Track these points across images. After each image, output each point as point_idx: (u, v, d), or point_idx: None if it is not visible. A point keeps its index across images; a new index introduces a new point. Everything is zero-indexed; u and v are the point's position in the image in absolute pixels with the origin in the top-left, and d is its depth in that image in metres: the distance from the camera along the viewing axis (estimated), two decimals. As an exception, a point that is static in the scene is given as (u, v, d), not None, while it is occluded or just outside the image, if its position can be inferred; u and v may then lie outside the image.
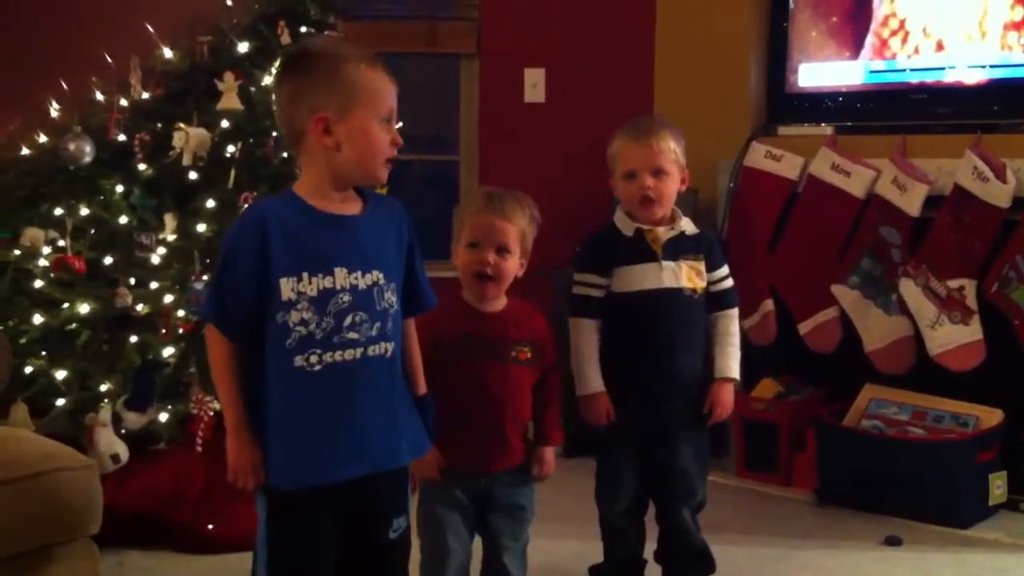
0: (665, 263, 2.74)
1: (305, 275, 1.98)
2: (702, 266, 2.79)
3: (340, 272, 2.00)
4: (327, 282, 1.99)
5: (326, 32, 3.87)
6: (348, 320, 2.00)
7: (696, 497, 2.86)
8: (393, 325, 2.06)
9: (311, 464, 2.01)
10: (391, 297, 2.06)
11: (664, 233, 2.76)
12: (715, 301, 2.83)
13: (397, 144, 2.07)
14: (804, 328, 3.98)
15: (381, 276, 2.05)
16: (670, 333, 2.75)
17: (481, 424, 2.48)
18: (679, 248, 2.76)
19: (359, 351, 2.01)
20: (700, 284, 2.78)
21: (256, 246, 1.98)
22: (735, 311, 2.88)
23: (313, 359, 1.98)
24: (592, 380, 2.75)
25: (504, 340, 2.50)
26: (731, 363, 2.82)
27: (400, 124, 2.14)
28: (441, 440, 2.35)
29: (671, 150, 2.73)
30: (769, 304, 4.05)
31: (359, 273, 2.02)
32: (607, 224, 2.83)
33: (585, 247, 2.89)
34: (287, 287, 1.97)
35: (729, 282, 2.87)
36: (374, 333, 2.03)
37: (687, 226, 2.80)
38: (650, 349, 2.76)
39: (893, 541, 3.38)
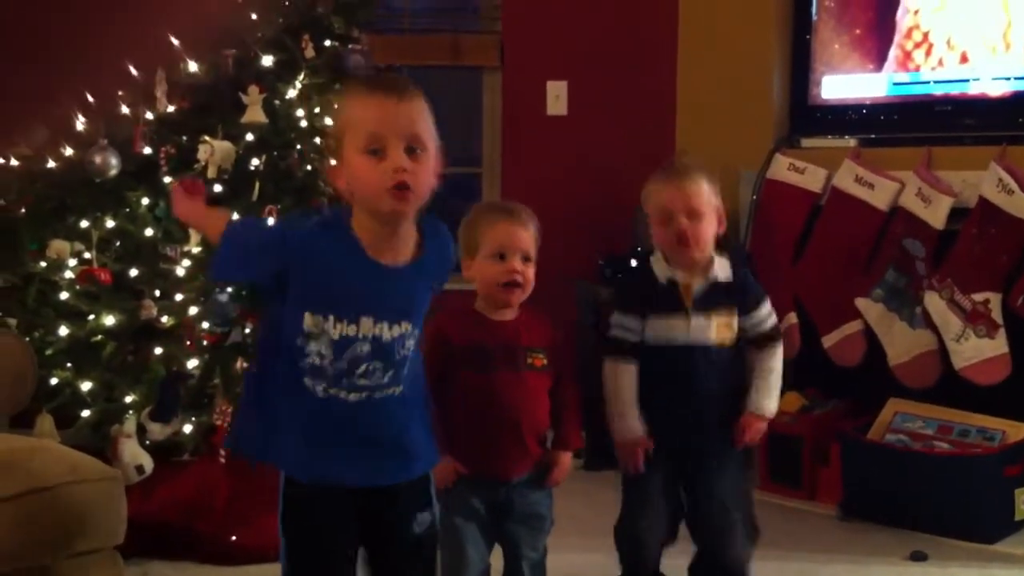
0: (694, 319, 2.67)
1: (331, 317, 1.94)
2: (734, 320, 2.71)
3: (366, 322, 1.96)
4: (350, 330, 1.95)
5: (350, 46, 3.89)
6: (362, 368, 1.97)
7: (747, 536, 2.82)
8: (409, 370, 2.04)
9: (322, 465, 2.01)
10: (411, 343, 2.03)
11: (696, 283, 2.69)
12: (757, 343, 2.75)
13: (398, 171, 1.89)
14: (828, 341, 3.96)
15: (409, 327, 2.01)
16: (697, 387, 2.69)
17: (499, 432, 2.47)
18: (710, 300, 2.69)
19: (364, 394, 2.00)
20: (730, 337, 2.71)
21: (289, 234, 1.99)
22: (779, 346, 2.77)
23: (319, 388, 1.97)
24: (635, 426, 2.68)
25: (518, 348, 2.50)
26: (765, 401, 2.73)
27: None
28: (458, 449, 2.36)
29: (705, 192, 2.66)
30: (792, 317, 4.04)
31: (386, 324, 1.98)
32: (644, 267, 2.78)
33: (623, 288, 2.84)
34: (310, 320, 1.95)
35: (771, 321, 2.77)
36: (385, 380, 2.01)
37: (722, 272, 2.71)
38: (677, 402, 2.70)
39: (918, 557, 3.36)
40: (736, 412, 2.74)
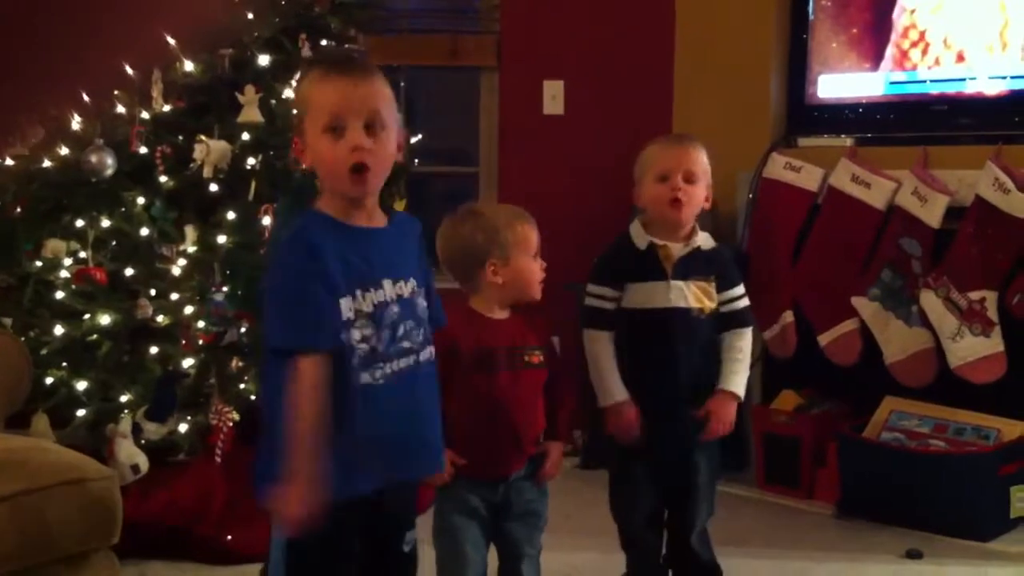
0: (673, 282, 2.71)
1: (359, 292, 1.95)
2: (712, 287, 2.75)
3: (387, 284, 1.99)
4: (379, 296, 1.97)
5: (347, 46, 3.89)
6: (401, 330, 2.00)
7: (708, 511, 2.86)
8: (429, 331, 2.08)
9: (361, 473, 1.98)
10: (423, 303, 2.07)
11: (677, 250, 2.73)
12: (726, 321, 2.79)
13: (358, 149, 1.92)
14: (824, 340, 3.96)
15: (415, 284, 2.05)
16: (676, 352, 2.73)
17: (497, 431, 2.48)
18: (690, 267, 2.74)
19: (413, 358, 2.02)
20: (709, 304, 2.75)
21: (312, 258, 1.92)
22: (747, 330, 2.82)
23: (378, 373, 1.97)
24: (615, 390, 2.73)
25: (516, 347, 2.52)
26: (733, 377, 2.77)
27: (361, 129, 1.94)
28: (456, 447, 2.37)
29: (703, 161, 2.74)
30: (789, 316, 4.04)
31: (402, 283, 2.01)
32: (622, 235, 2.82)
33: (600, 259, 2.88)
34: (346, 307, 1.94)
35: (743, 302, 2.82)
36: (421, 339, 2.04)
37: (704, 242, 2.77)
38: (656, 367, 2.75)
39: (914, 554, 3.36)
40: (710, 388, 2.78)
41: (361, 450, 1.98)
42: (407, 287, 2.02)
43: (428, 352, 2.06)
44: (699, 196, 2.73)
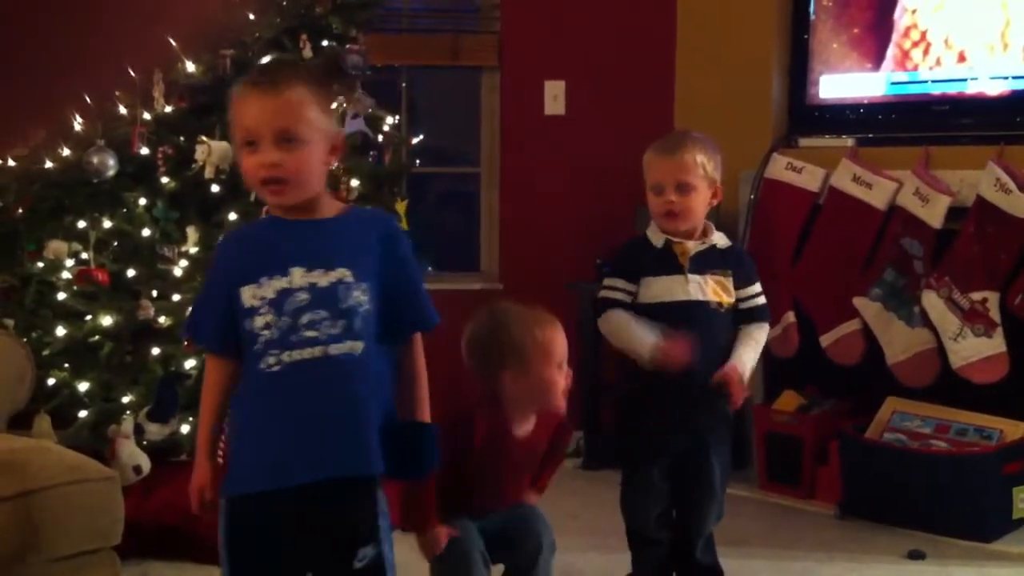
0: (691, 276, 2.74)
1: (264, 279, 1.98)
2: (729, 281, 2.78)
3: (297, 271, 1.98)
4: (283, 283, 1.97)
5: (348, 46, 3.88)
6: (305, 318, 1.97)
7: (718, 515, 2.87)
8: (363, 325, 2.00)
9: (265, 468, 1.98)
10: (361, 296, 2.00)
11: (693, 247, 2.76)
12: (745, 316, 2.81)
13: (264, 166, 1.97)
14: (826, 340, 3.96)
15: (348, 274, 2.00)
16: (707, 345, 2.72)
17: (503, 495, 2.59)
18: (706, 262, 2.76)
19: (320, 349, 1.97)
20: (727, 299, 2.77)
21: (220, 262, 2.07)
22: (764, 325, 2.85)
23: (272, 359, 1.96)
24: (648, 336, 2.69)
25: (531, 457, 2.59)
26: (743, 357, 2.77)
27: (267, 143, 1.98)
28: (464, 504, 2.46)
29: (698, 164, 2.72)
30: (791, 316, 4.04)
31: (320, 271, 1.99)
32: (640, 235, 2.85)
33: (616, 255, 2.89)
34: (247, 294, 1.97)
35: (761, 300, 2.85)
36: (338, 331, 1.98)
37: (719, 240, 2.80)
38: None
39: (916, 555, 3.36)
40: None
41: (265, 438, 1.98)
42: (328, 277, 1.99)
43: (350, 346, 1.99)
44: (696, 202, 2.73)
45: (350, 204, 2.12)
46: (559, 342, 2.49)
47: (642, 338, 2.70)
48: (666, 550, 2.89)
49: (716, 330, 2.76)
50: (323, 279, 1.99)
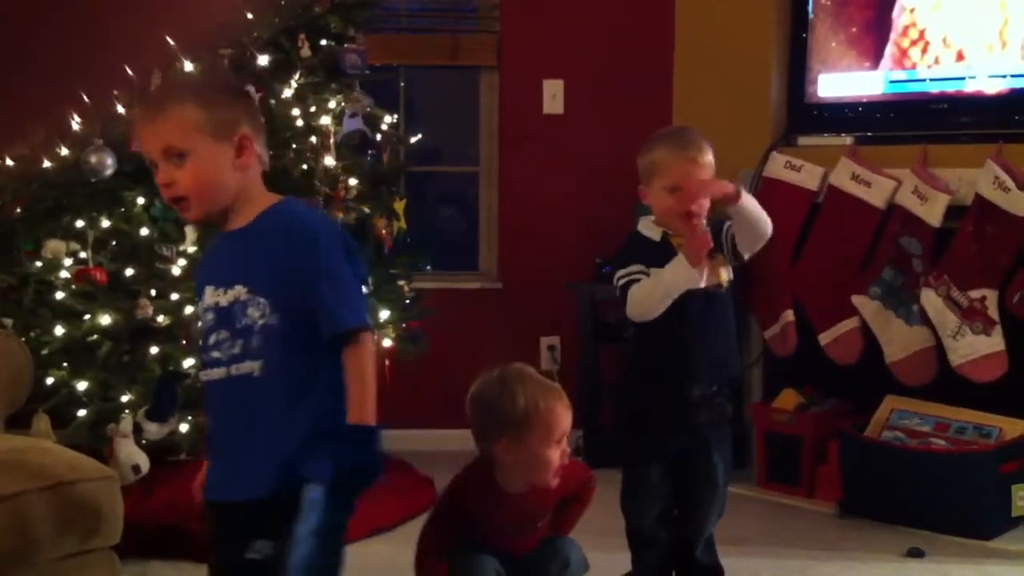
0: None
1: (199, 298, 2.06)
2: (724, 258, 2.75)
3: (209, 291, 2.00)
4: (203, 302, 2.02)
5: (346, 46, 3.88)
6: (212, 339, 1.98)
7: (719, 514, 2.87)
8: (263, 343, 1.96)
9: (208, 479, 2.07)
10: (255, 313, 1.96)
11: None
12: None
13: (161, 184, 2.00)
14: (825, 339, 3.96)
15: (244, 291, 1.97)
16: (697, 333, 2.73)
17: (514, 546, 2.63)
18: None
19: (222, 370, 1.98)
20: (726, 276, 2.75)
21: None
22: None
23: (202, 375, 2.03)
24: (671, 265, 2.63)
25: (527, 521, 2.61)
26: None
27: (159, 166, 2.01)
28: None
29: (711, 162, 2.69)
30: (789, 315, 4.04)
31: (222, 290, 1.98)
32: (632, 232, 2.81)
33: (622, 249, 2.83)
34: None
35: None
36: (236, 351, 1.96)
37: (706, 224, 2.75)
38: (678, 350, 2.74)
39: (916, 553, 3.36)
40: (732, 370, 2.82)
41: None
42: (228, 295, 1.97)
43: (249, 367, 1.96)
44: (707, 202, 2.70)
45: (276, 199, 2.05)
46: (561, 420, 2.48)
47: (670, 269, 2.63)
48: (666, 550, 2.89)
49: (721, 312, 2.75)
50: (223, 298, 1.98)
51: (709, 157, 2.68)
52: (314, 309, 1.97)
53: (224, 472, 2.03)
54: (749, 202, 2.62)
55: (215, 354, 1.98)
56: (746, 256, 2.75)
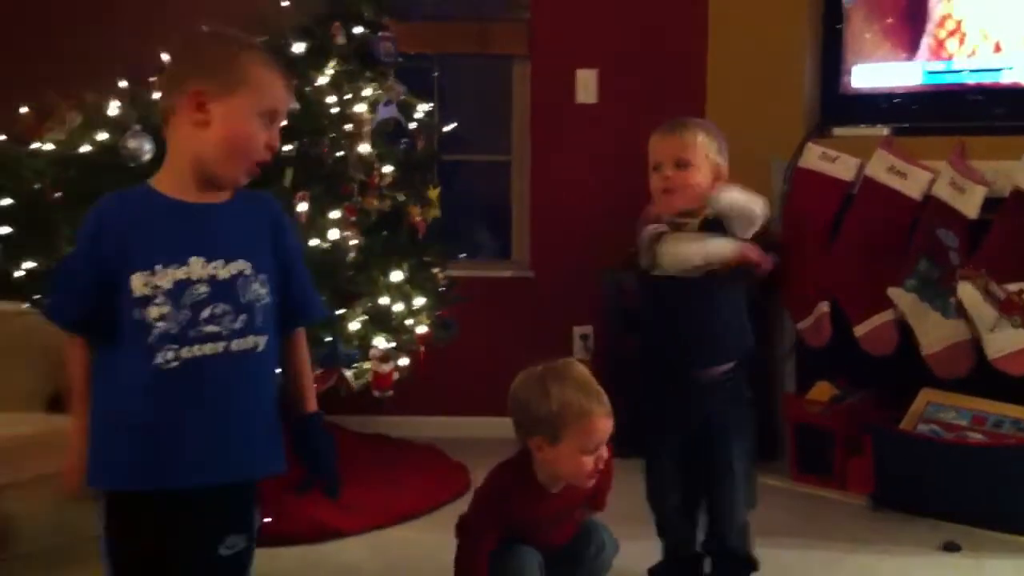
0: None
1: (158, 268, 1.89)
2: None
3: (196, 262, 1.90)
4: (181, 273, 1.89)
5: (379, 33, 3.89)
6: (206, 312, 1.90)
7: (749, 501, 2.86)
8: (264, 319, 1.95)
9: (160, 465, 1.90)
10: (260, 289, 1.95)
11: (691, 224, 2.75)
12: None
13: (272, 147, 1.97)
14: (860, 331, 3.94)
15: (248, 267, 1.94)
16: (697, 317, 2.76)
17: (553, 539, 2.67)
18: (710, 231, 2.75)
19: (221, 345, 1.91)
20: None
21: (94, 239, 1.92)
22: None
23: (170, 355, 1.88)
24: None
25: (569, 511, 2.64)
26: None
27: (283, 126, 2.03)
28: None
29: (699, 144, 2.72)
30: (824, 306, 4.02)
31: (220, 262, 1.92)
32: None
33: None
34: (139, 282, 1.88)
35: None
36: (239, 326, 1.92)
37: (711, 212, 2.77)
38: (680, 334, 2.77)
39: (951, 547, 3.34)
40: (733, 351, 2.81)
41: (154, 438, 1.89)
42: (228, 269, 1.93)
43: (252, 342, 1.94)
44: (694, 179, 2.73)
45: None
46: (600, 428, 2.46)
47: (722, 241, 2.69)
48: (690, 538, 2.89)
49: (719, 296, 2.76)
50: (223, 271, 1.93)
51: (692, 136, 2.73)
52: (295, 296, 2.03)
53: (218, 452, 1.92)
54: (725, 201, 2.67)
55: (211, 328, 1.90)
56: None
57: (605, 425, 2.47)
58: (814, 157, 4.08)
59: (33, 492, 2.56)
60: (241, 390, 1.95)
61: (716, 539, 2.88)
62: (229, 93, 1.93)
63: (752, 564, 2.91)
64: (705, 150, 2.73)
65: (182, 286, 1.89)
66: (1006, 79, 3.81)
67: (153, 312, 1.87)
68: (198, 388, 1.91)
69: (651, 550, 2.94)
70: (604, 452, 2.50)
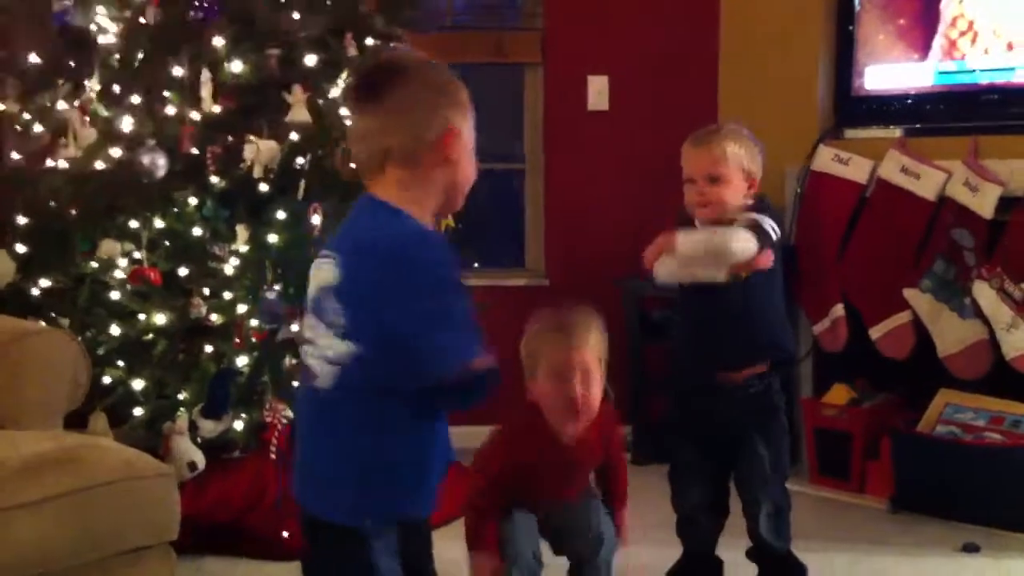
0: None
1: None
2: None
3: None
4: None
5: (392, 44, 3.90)
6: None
7: (779, 495, 2.85)
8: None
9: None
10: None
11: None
12: None
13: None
14: (876, 333, 3.93)
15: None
16: (722, 326, 2.76)
17: (561, 492, 2.67)
18: None
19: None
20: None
21: (454, 266, 1.95)
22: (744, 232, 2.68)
23: None
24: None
25: (581, 464, 2.64)
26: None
27: None
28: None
29: (729, 155, 2.72)
30: (840, 309, 4.01)
31: None
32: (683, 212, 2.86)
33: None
34: None
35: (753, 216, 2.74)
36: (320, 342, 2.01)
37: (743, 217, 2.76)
38: (704, 343, 2.79)
39: (971, 548, 3.33)
40: (766, 354, 2.81)
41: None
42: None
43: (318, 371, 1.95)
44: (727, 193, 2.73)
45: None
46: (569, 357, 2.46)
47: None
48: (710, 543, 2.89)
49: (742, 304, 2.75)
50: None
51: (722, 148, 2.72)
52: None
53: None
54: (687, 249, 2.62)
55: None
56: None
57: (572, 355, 2.46)
58: (827, 159, 4.07)
59: (52, 510, 2.57)
60: (311, 424, 2.04)
61: (750, 534, 2.86)
62: (463, 127, 1.96)
63: (792, 565, 2.90)
64: (737, 161, 2.73)
65: None
66: (1019, 78, 3.79)
67: None
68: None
69: (669, 556, 2.94)
70: (590, 393, 2.47)
